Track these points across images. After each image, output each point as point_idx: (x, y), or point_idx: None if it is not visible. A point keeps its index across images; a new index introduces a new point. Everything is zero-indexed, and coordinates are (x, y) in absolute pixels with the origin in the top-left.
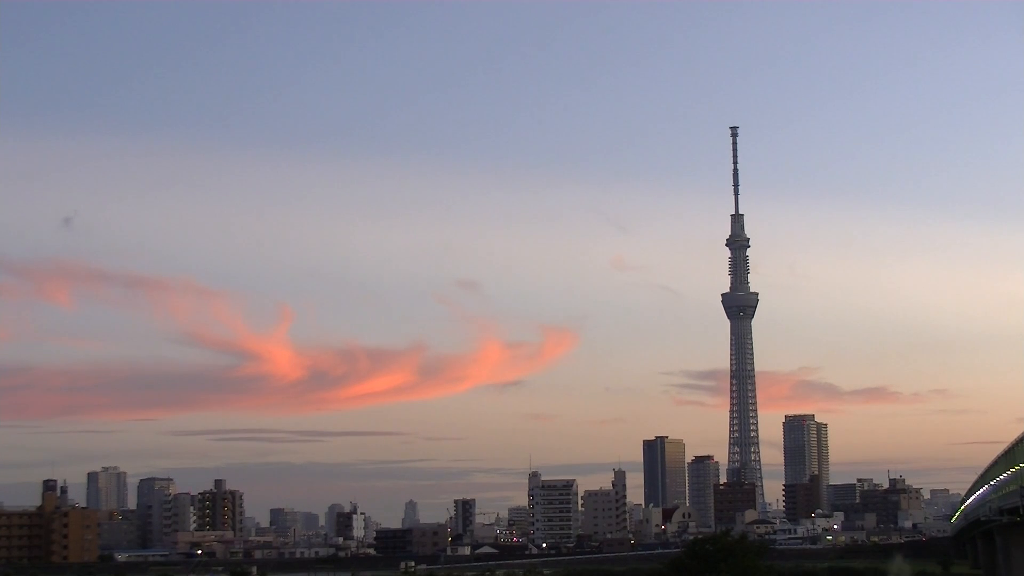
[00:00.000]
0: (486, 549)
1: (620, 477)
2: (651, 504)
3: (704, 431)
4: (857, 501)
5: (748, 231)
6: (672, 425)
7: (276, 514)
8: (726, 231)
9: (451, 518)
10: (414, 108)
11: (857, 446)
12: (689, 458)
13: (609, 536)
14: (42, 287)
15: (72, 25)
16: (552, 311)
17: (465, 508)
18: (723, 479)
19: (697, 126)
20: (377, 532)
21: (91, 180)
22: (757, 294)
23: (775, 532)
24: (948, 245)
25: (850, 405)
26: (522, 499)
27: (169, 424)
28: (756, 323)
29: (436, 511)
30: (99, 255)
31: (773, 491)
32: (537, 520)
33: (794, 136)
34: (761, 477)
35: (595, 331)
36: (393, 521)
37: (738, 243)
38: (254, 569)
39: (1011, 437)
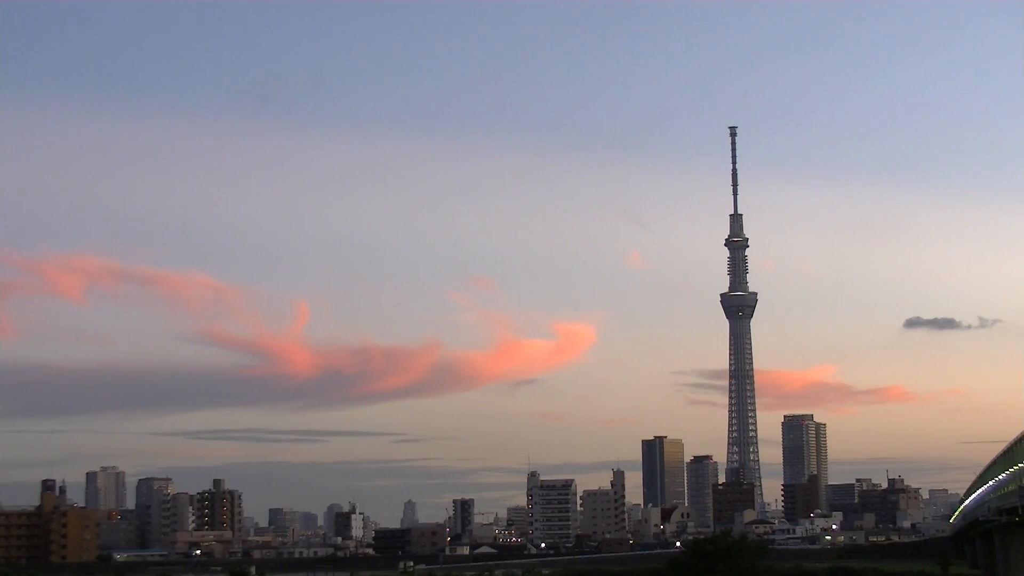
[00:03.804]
0: (485, 549)
1: (619, 477)
2: (650, 504)
3: (717, 431)
4: (856, 501)
5: (752, 230)
6: (683, 425)
7: (275, 514)
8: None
9: (450, 518)
10: (428, 109)
11: (867, 446)
12: (688, 458)
13: (608, 536)
14: (56, 284)
15: (86, 16)
16: (568, 309)
17: (464, 508)
18: (722, 479)
19: (709, 122)
20: (376, 532)
21: (105, 176)
22: (756, 294)
23: (774, 532)
24: (960, 239)
25: (863, 405)
26: (522, 499)
27: (172, 424)
28: (769, 323)
29: (435, 511)
30: (113, 252)
31: (772, 491)
32: (536, 520)
33: (796, 134)
34: (760, 477)
35: (611, 329)
36: (392, 521)
37: (737, 243)
38: (253, 569)
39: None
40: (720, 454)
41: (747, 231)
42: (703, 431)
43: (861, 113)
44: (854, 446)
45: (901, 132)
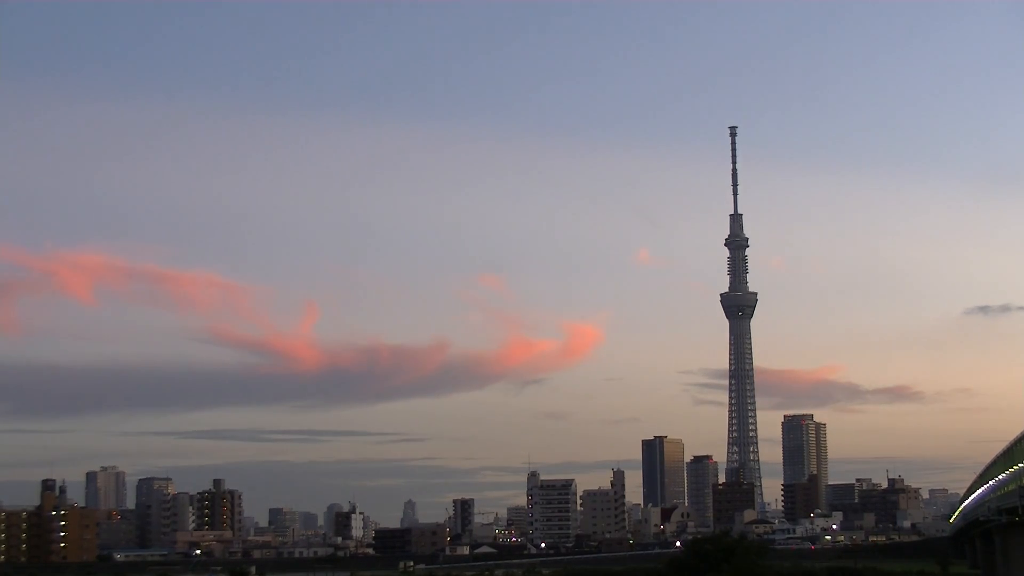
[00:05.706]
0: (485, 549)
1: (619, 477)
2: (650, 504)
3: (722, 431)
4: (856, 501)
5: (753, 230)
6: (689, 425)
7: (275, 514)
8: (752, 227)
9: (450, 518)
10: (436, 109)
11: (874, 445)
12: (688, 457)
13: (608, 536)
14: (64, 283)
15: (90, 12)
16: (576, 308)
17: (464, 508)
18: (722, 479)
19: (709, 122)
20: (376, 532)
21: (112, 174)
22: (756, 293)
23: (774, 532)
24: (964, 235)
25: (872, 404)
26: (523, 499)
27: (173, 424)
28: (775, 322)
29: (435, 511)
30: (121, 250)
31: (772, 491)
32: (536, 520)
33: (796, 133)
34: (760, 477)
35: (618, 328)
36: (392, 521)
37: (736, 243)
38: (252, 569)
39: None
40: (722, 454)
41: (747, 231)
42: (709, 431)
43: (861, 112)
44: (860, 445)
45: (902, 131)
